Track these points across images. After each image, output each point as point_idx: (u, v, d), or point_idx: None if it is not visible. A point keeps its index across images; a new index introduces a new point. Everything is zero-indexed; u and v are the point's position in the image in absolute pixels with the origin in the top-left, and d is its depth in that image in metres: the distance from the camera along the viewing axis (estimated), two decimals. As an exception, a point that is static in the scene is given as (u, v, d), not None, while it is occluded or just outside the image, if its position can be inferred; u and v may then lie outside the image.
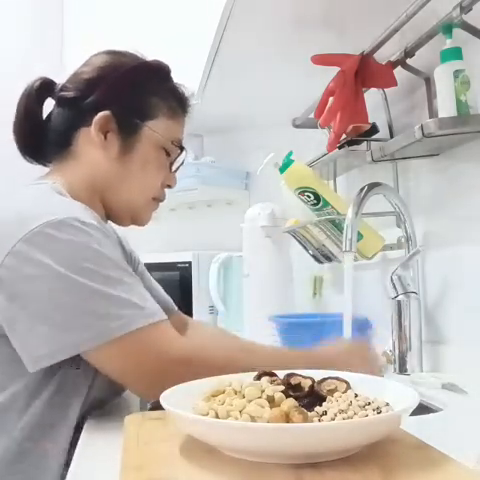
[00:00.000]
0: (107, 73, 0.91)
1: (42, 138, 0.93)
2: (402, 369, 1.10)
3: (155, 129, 0.91)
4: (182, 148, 0.96)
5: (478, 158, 1.02)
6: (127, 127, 0.90)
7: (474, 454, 0.52)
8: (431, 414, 0.84)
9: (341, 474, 0.48)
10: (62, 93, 0.92)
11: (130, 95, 0.91)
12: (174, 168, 0.98)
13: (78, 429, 0.78)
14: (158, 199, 0.98)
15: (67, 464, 0.79)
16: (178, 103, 0.96)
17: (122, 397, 0.93)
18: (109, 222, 1.00)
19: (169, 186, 0.98)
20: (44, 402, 0.77)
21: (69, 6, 2.18)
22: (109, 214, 0.95)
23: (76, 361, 0.76)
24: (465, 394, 0.89)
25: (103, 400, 0.87)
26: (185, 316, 1.19)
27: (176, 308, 1.17)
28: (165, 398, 0.58)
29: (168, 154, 0.95)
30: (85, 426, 0.77)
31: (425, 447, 0.54)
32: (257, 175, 1.53)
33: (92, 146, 0.90)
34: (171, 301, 1.16)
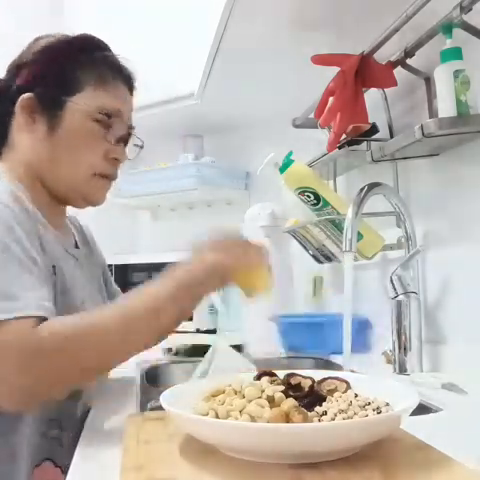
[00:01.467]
0: (31, 57, 0.90)
1: None
2: (402, 369, 1.10)
3: (82, 102, 0.88)
4: (110, 115, 0.90)
5: (478, 158, 1.02)
6: (51, 105, 0.88)
7: (474, 454, 0.52)
8: (431, 414, 0.84)
9: (341, 474, 0.48)
10: None
11: (51, 73, 0.89)
12: (113, 139, 0.91)
13: (53, 422, 0.78)
14: (105, 175, 0.93)
15: (49, 457, 0.80)
16: (110, 72, 0.92)
17: (122, 397, 0.93)
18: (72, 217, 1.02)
19: (116, 160, 0.93)
20: None
21: (69, 5, 2.19)
22: (59, 198, 0.93)
23: None
24: (465, 394, 0.89)
25: (74, 391, 0.82)
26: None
27: None
28: (165, 398, 0.58)
29: (106, 126, 0.90)
30: (85, 426, 0.77)
31: (425, 447, 0.54)
32: (257, 175, 1.53)
33: (22, 132, 0.89)
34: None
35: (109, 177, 0.94)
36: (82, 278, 0.93)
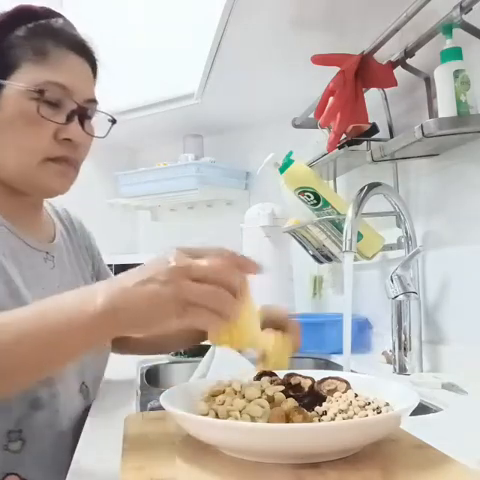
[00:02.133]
0: None
1: None
2: (402, 369, 1.10)
3: (19, 81, 0.78)
4: (46, 92, 0.78)
5: (478, 158, 1.02)
6: None
7: (474, 454, 0.52)
8: (431, 414, 0.84)
9: (341, 474, 0.48)
10: None
11: None
12: (61, 118, 0.80)
13: (14, 435, 0.73)
14: (58, 158, 0.82)
15: (13, 472, 0.74)
16: (51, 41, 0.81)
17: (122, 397, 0.93)
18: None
19: (68, 140, 0.81)
20: None
21: (69, 3, 2.18)
22: (14, 189, 0.84)
23: None
24: (465, 394, 0.89)
25: (35, 402, 0.76)
26: None
27: None
28: (165, 398, 0.58)
29: (50, 105, 0.79)
30: (85, 426, 0.77)
31: (425, 447, 0.54)
32: (257, 175, 1.53)
33: None
34: None
35: (64, 160, 0.82)
36: (50, 275, 0.86)
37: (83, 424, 0.77)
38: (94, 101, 0.85)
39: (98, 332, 0.56)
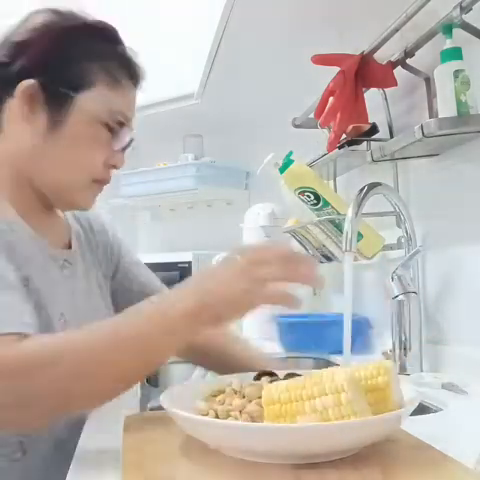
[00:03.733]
0: (38, 35, 0.78)
1: None
2: (402, 369, 1.10)
3: (91, 101, 0.78)
4: (122, 124, 0.81)
5: (478, 158, 1.02)
6: (56, 98, 0.77)
7: (474, 454, 0.52)
8: (431, 414, 0.84)
9: (341, 474, 0.48)
10: None
11: (61, 61, 0.78)
12: (118, 146, 0.82)
13: (16, 445, 0.73)
14: (101, 181, 0.84)
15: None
16: (124, 70, 0.82)
17: (122, 397, 0.92)
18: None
19: (114, 166, 0.84)
20: None
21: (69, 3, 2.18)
22: (44, 198, 0.84)
23: None
24: (465, 394, 0.89)
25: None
26: None
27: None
28: (165, 398, 0.58)
29: (110, 130, 0.80)
30: (85, 426, 0.77)
31: (425, 447, 0.54)
32: (257, 175, 1.53)
33: (17, 121, 0.78)
34: (164, 286, 1.05)
35: (103, 183, 0.85)
36: (67, 283, 0.84)
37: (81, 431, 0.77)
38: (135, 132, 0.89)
39: (187, 333, 0.62)
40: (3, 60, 0.78)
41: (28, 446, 0.75)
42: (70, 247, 0.89)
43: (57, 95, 0.77)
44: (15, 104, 0.77)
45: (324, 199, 1.30)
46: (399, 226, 1.21)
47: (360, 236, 1.19)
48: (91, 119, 0.79)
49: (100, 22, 0.83)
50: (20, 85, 0.76)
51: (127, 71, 0.82)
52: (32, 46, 0.77)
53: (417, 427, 0.59)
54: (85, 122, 0.79)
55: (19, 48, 0.78)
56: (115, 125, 0.81)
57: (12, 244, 0.73)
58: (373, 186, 1.11)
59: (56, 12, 0.80)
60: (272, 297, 0.64)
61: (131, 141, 0.85)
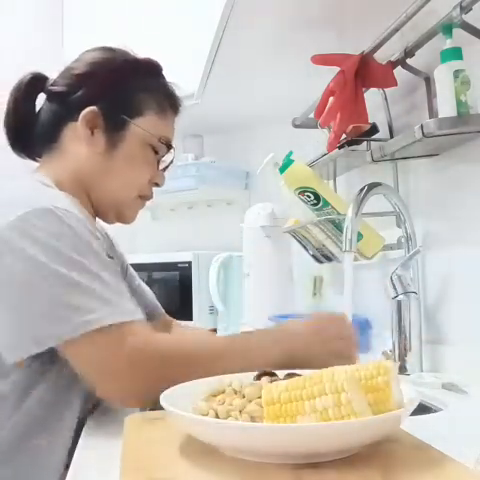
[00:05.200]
0: (96, 69, 0.91)
1: (31, 133, 0.93)
2: (402, 369, 1.10)
3: (142, 126, 0.91)
4: (170, 146, 0.96)
5: (478, 158, 1.02)
6: (114, 123, 0.90)
7: (474, 454, 0.52)
8: (431, 414, 0.84)
9: (341, 474, 0.48)
10: (51, 87, 0.92)
11: (118, 91, 0.91)
12: (162, 166, 0.98)
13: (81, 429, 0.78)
14: (145, 197, 0.97)
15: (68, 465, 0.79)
16: (168, 101, 0.96)
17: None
18: (98, 221, 1.00)
19: (157, 184, 0.98)
20: (36, 400, 0.76)
21: (69, 3, 2.18)
22: (95, 210, 0.95)
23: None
24: (465, 394, 0.89)
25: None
26: (171, 319, 1.20)
27: (163, 313, 1.18)
28: (165, 398, 0.58)
29: (156, 152, 0.95)
30: (85, 426, 0.77)
31: (425, 447, 0.54)
32: (257, 175, 1.53)
33: (78, 141, 0.90)
34: (159, 306, 1.18)
35: (147, 199, 0.98)
36: None
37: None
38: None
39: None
40: (63, 89, 0.91)
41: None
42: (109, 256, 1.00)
43: (114, 120, 0.90)
44: (78, 127, 0.89)
45: (324, 199, 1.30)
46: (399, 226, 1.21)
47: (360, 236, 1.19)
48: (142, 142, 0.92)
49: (149, 59, 0.96)
50: (84, 111, 0.88)
51: (170, 102, 0.97)
52: (92, 78, 0.90)
53: (417, 427, 0.59)
54: (137, 144, 0.92)
55: (80, 79, 0.91)
56: (161, 148, 0.95)
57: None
58: (373, 186, 1.11)
59: (108, 49, 0.94)
60: None
61: (171, 162, 1.00)
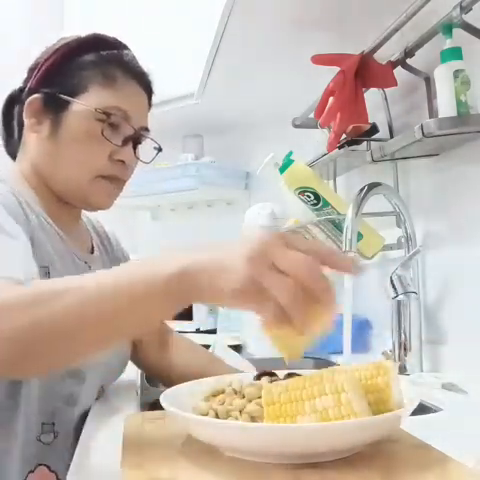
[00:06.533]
0: (41, 60, 0.90)
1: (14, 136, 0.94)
2: (402, 369, 1.10)
3: (86, 102, 0.86)
4: (111, 115, 0.86)
5: (478, 158, 1.02)
6: (55, 106, 0.87)
7: (474, 454, 0.52)
8: (431, 414, 0.84)
9: (341, 474, 0.48)
10: (18, 90, 0.93)
11: (59, 74, 0.88)
12: (118, 141, 0.87)
13: (47, 427, 0.77)
14: (109, 177, 0.88)
15: (45, 463, 0.78)
16: (120, 70, 0.88)
17: (122, 397, 0.93)
18: (98, 221, 1.00)
19: (122, 161, 0.88)
20: None
21: (69, 3, 2.19)
22: (62, 200, 0.90)
23: None
24: (465, 394, 0.89)
25: (71, 396, 0.81)
26: (167, 326, 1.12)
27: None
28: (165, 398, 0.58)
29: (111, 127, 0.86)
30: (85, 426, 0.77)
31: (425, 447, 0.54)
32: (257, 175, 1.53)
33: (30, 132, 0.89)
34: None
35: (114, 179, 0.89)
36: None
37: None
38: (147, 129, 0.93)
39: (171, 298, 0.53)
40: (21, 87, 0.91)
41: (59, 430, 0.79)
42: (92, 252, 0.96)
43: (56, 103, 0.87)
44: (25, 118, 0.87)
45: (324, 199, 1.30)
46: (399, 226, 1.21)
47: (360, 236, 1.19)
48: (84, 117, 0.86)
49: (94, 34, 0.91)
50: (27, 101, 0.87)
51: (120, 70, 0.88)
52: (37, 68, 0.89)
53: (417, 427, 0.59)
54: (79, 121, 0.86)
55: (29, 73, 0.90)
56: (111, 120, 0.86)
57: (40, 236, 0.78)
58: (373, 186, 1.11)
59: (69, 37, 0.91)
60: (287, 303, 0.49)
61: (138, 136, 0.90)
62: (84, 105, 0.86)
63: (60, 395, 0.80)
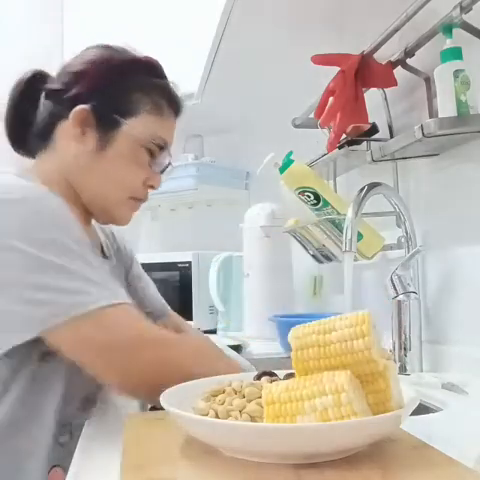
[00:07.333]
0: (91, 67, 0.89)
1: (29, 131, 0.92)
2: (402, 369, 1.10)
3: (136, 126, 0.89)
4: (162, 148, 0.93)
5: (478, 158, 1.02)
6: (105, 123, 0.88)
7: (474, 454, 0.52)
8: (431, 414, 0.84)
9: (341, 474, 0.48)
10: (48, 85, 0.91)
11: (111, 90, 0.89)
12: (157, 168, 0.94)
13: (65, 428, 0.78)
14: (138, 199, 0.94)
15: (59, 464, 0.79)
16: (166, 101, 0.93)
17: (122, 397, 0.92)
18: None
19: (152, 187, 0.95)
20: (14, 399, 0.75)
21: (69, 3, 2.18)
22: (87, 210, 0.93)
23: (44, 354, 0.74)
24: (465, 394, 0.89)
25: (89, 398, 0.84)
26: (178, 319, 1.16)
27: (169, 311, 1.15)
28: (165, 398, 0.58)
29: (151, 153, 0.92)
30: (85, 426, 0.77)
31: (425, 447, 0.54)
32: (257, 175, 1.53)
33: (70, 140, 0.88)
34: (166, 304, 1.15)
35: (139, 201, 0.95)
36: None
37: None
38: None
39: None
40: (60, 87, 0.90)
41: (75, 432, 0.80)
42: (103, 254, 0.99)
43: (106, 120, 0.88)
44: (69, 125, 0.88)
45: (324, 199, 1.30)
46: (399, 226, 1.21)
47: (360, 236, 1.19)
48: (134, 143, 0.89)
49: (147, 57, 0.94)
50: (74, 109, 0.87)
51: (168, 101, 0.93)
52: (87, 76, 0.89)
53: (417, 427, 0.59)
54: (129, 145, 0.89)
55: (75, 77, 0.89)
56: (155, 149, 0.92)
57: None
58: (373, 186, 1.11)
59: (108, 47, 0.92)
60: None
61: (169, 164, 0.97)
62: (136, 130, 0.89)
63: (79, 398, 0.82)
